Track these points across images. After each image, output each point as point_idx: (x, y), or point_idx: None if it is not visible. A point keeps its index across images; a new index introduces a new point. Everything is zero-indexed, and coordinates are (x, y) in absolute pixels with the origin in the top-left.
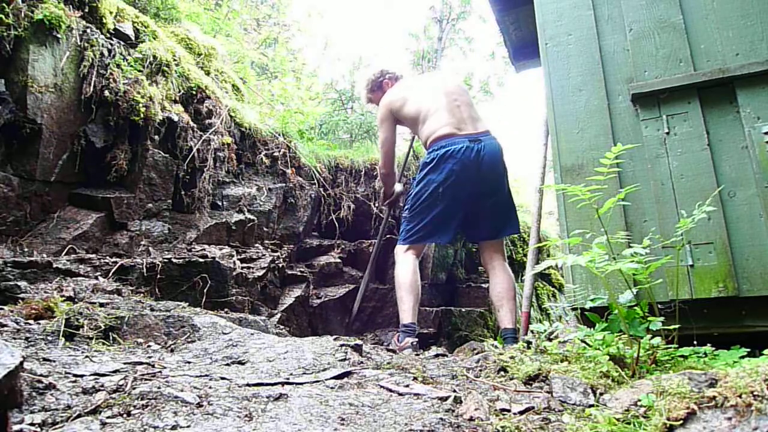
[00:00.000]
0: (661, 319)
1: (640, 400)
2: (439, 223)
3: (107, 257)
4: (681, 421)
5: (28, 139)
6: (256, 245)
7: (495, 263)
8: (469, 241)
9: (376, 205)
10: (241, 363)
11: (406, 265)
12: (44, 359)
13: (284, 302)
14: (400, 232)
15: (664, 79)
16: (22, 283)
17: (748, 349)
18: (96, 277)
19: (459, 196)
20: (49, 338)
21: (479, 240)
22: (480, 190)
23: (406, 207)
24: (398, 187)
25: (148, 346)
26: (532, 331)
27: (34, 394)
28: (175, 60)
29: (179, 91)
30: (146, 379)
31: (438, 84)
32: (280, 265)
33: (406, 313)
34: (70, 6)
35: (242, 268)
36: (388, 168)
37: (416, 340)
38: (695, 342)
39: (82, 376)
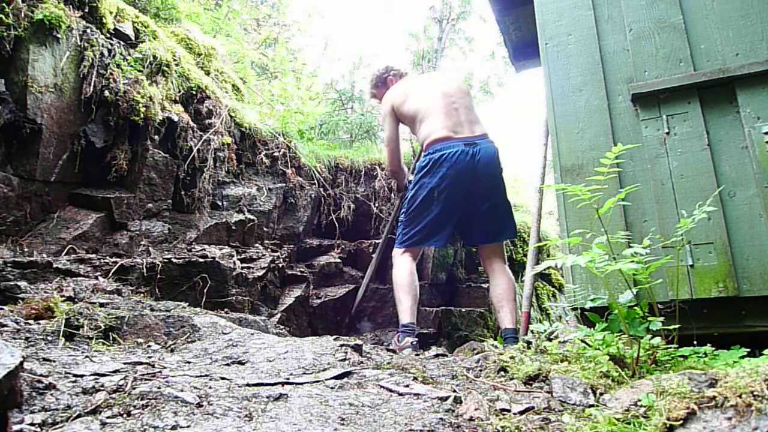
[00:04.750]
0: (661, 319)
1: (640, 400)
2: (435, 227)
3: (107, 257)
4: (681, 421)
5: (28, 139)
6: (256, 245)
7: (495, 266)
8: (467, 245)
9: (376, 205)
10: (241, 363)
11: (402, 267)
12: (44, 359)
13: (284, 302)
14: (397, 236)
15: (664, 79)
16: (22, 283)
17: (748, 349)
18: (96, 277)
19: (454, 200)
20: (49, 338)
21: (477, 243)
22: (475, 193)
23: (402, 210)
24: (411, 177)
25: (148, 346)
26: (532, 331)
27: (34, 394)
28: (175, 60)
29: (179, 91)
30: (146, 379)
31: (438, 85)
32: (280, 265)
33: (405, 313)
34: (70, 6)
35: (242, 268)
36: (394, 165)
37: (416, 339)
38: (695, 342)
39: (82, 376)
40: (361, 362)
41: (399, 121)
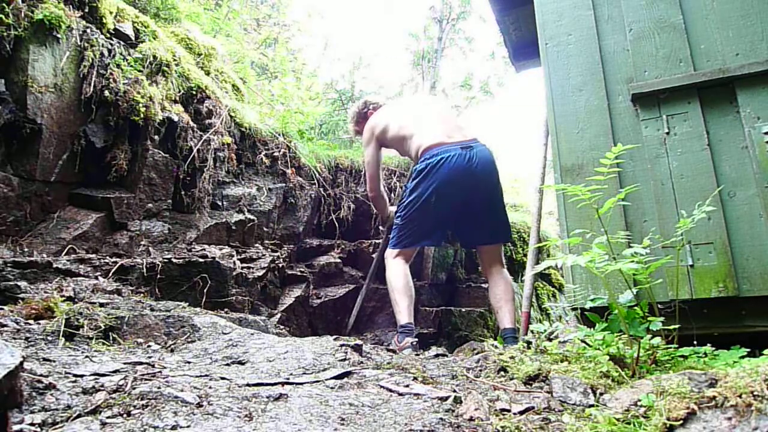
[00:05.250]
0: (661, 319)
1: (640, 400)
2: (430, 229)
3: (107, 257)
4: (681, 421)
5: (28, 139)
6: (256, 245)
7: (493, 268)
8: (465, 247)
9: None
10: (241, 363)
11: (396, 269)
12: (44, 359)
13: (284, 302)
14: (391, 238)
15: (664, 79)
16: (22, 283)
17: (748, 349)
18: (96, 277)
19: (451, 203)
20: (49, 338)
21: (475, 245)
22: (473, 196)
23: (398, 214)
24: (392, 209)
25: (148, 346)
26: (532, 331)
27: (34, 394)
28: (175, 60)
29: (179, 91)
30: (146, 379)
31: (419, 103)
32: (280, 265)
33: (402, 314)
34: (70, 6)
35: (242, 268)
36: (374, 190)
37: (416, 339)
38: (695, 342)
39: (82, 376)
40: (361, 362)
41: (381, 146)
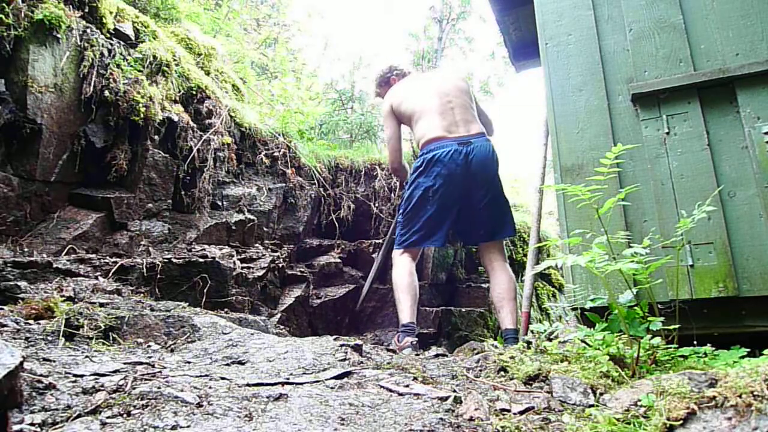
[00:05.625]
0: (661, 319)
1: (640, 400)
2: (431, 227)
3: (107, 257)
4: (681, 421)
5: (28, 139)
6: (256, 245)
7: (495, 264)
8: (466, 244)
9: (376, 205)
10: (241, 363)
11: (402, 267)
12: (44, 359)
13: (284, 302)
14: (396, 237)
15: (664, 79)
16: (22, 283)
17: (748, 349)
18: (96, 277)
19: (449, 200)
20: (49, 338)
21: (476, 242)
22: (472, 192)
23: (399, 212)
24: None
25: (148, 346)
26: (532, 331)
27: (34, 394)
28: (175, 60)
29: (179, 91)
30: (146, 379)
31: (435, 84)
32: (280, 265)
33: (405, 313)
34: (70, 6)
35: (242, 268)
36: (396, 163)
37: (416, 339)
38: (695, 342)
39: (82, 376)
40: (361, 362)
41: (399, 121)
